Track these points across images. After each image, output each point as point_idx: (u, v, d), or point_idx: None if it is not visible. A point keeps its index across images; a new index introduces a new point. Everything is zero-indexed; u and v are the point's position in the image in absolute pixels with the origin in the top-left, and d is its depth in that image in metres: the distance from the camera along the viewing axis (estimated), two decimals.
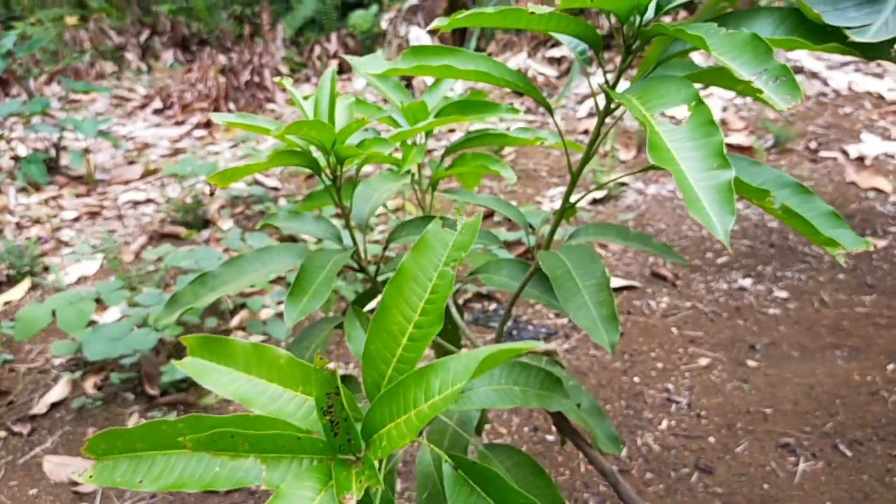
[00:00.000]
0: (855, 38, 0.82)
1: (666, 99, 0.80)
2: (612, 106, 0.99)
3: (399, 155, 1.23)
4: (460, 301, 2.56)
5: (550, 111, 1.02)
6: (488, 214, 3.17)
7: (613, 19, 0.93)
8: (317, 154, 1.07)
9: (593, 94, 1.00)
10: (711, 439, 1.86)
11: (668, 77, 0.86)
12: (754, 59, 0.75)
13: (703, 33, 0.78)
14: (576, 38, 0.98)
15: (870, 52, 0.88)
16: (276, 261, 1.16)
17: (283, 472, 0.71)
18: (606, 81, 0.97)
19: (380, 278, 1.21)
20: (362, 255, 1.19)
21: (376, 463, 0.69)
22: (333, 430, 0.70)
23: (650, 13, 0.92)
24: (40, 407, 2.14)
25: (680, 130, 0.75)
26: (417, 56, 0.94)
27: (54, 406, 2.16)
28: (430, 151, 3.62)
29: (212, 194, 0.97)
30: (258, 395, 0.77)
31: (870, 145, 3.43)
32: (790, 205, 0.89)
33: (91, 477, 0.70)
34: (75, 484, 1.85)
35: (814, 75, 4.21)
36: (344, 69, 5.35)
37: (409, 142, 1.24)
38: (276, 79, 1.09)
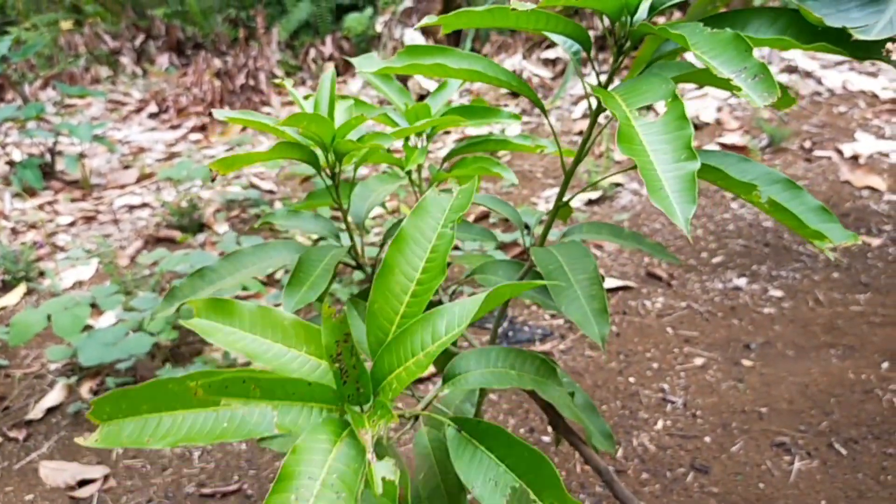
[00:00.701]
0: (859, 36, 0.83)
1: (646, 95, 0.82)
2: (604, 105, 1.00)
3: (399, 156, 1.24)
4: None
5: (544, 111, 1.02)
6: (484, 216, 3.17)
7: (606, 20, 0.94)
8: (317, 152, 1.08)
9: (587, 95, 1.00)
10: (707, 439, 1.86)
11: (652, 76, 0.88)
12: (735, 57, 0.77)
13: (687, 33, 0.80)
14: (567, 38, 0.99)
15: (861, 52, 0.88)
16: (273, 256, 1.17)
17: (295, 419, 0.72)
18: (600, 83, 0.98)
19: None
20: (359, 252, 1.20)
21: (389, 403, 0.70)
22: (343, 378, 0.71)
23: (642, 13, 0.93)
24: (36, 412, 2.14)
25: (654, 125, 0.77)
26: (411, 55, 0.96)
27: (50, 411, 2.16)
28: (428, 153, 3.62)
29: (213, 180, 0.98)
30: (264, 353, 0.79)
31: (864, 144, 3.44)
32: (779, 200, 0.90)
33: (97, 441, 0.70)
34: (72, 489, 1.85)
35: (808, 74, 4.22)
36: (340, 72, 5.35)
37: (410, 144, 1.25)
38: (277, 80, 1.10)
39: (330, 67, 1.13)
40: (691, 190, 0.72)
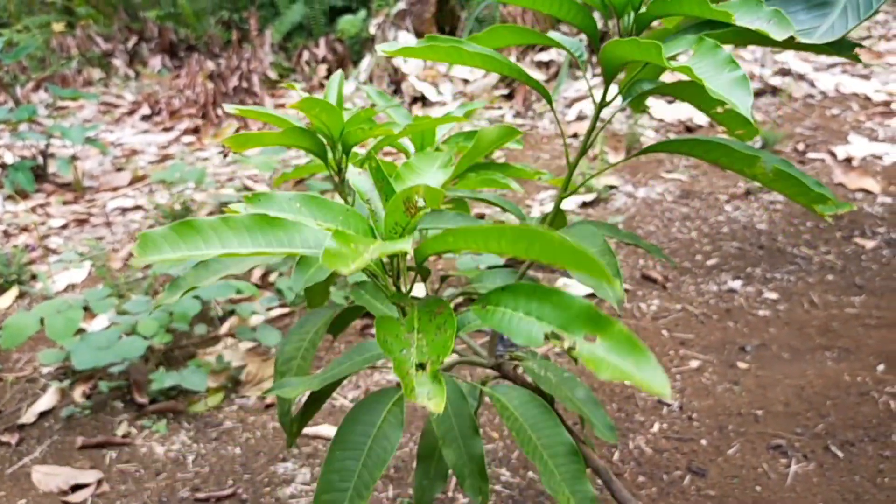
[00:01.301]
0: (803, 39, 0.88)
1: (672, 46, 0.87)
2: (609, 97, 1.01)
3: (392, 159, 1.24)
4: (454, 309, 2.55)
5: (549, 101, 1.04)
6: (479, 217, 3.16)
7: (612, 20, 0.95)
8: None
9: (590, 90, 1.01)
10: (703, 442, 1.86)
11: (669, 37, 0.91)
12: (749, 10, 0.85)
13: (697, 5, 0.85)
14: (573, 39, 1.00)
15: (833, 51, 0.92)
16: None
17: None
18: (605, 75, 0.98)
19: None
20: None
21: None
22: None
23: (644, 9, 0.94)
24: (28, 416, 2.12)
25: (689, 58, 0.83)
26: (429, 40, 0.99)
27: (42, 415, 2.14)
28: None
29: (225, 156, 0.99)
30: None
31: (857, 146, 3.45)
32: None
33: (136, 254, 0.73)
34: (65, 493, 1.83)
35: (801, 77, 4.23)
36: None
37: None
38: (285, 83, 1.10)
39: (337, 72, 1.13)
40: (745, 86, 0.77)
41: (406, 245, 0.67)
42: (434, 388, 0.65)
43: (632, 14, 0.94)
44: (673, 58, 0.84)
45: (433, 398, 0.64)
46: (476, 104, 1.27)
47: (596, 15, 0.98)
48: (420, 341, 0.70)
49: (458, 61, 0.97)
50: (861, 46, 0.95)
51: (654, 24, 0.99)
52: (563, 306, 0.71)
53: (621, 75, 1.38)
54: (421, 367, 0.67)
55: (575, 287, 2.49)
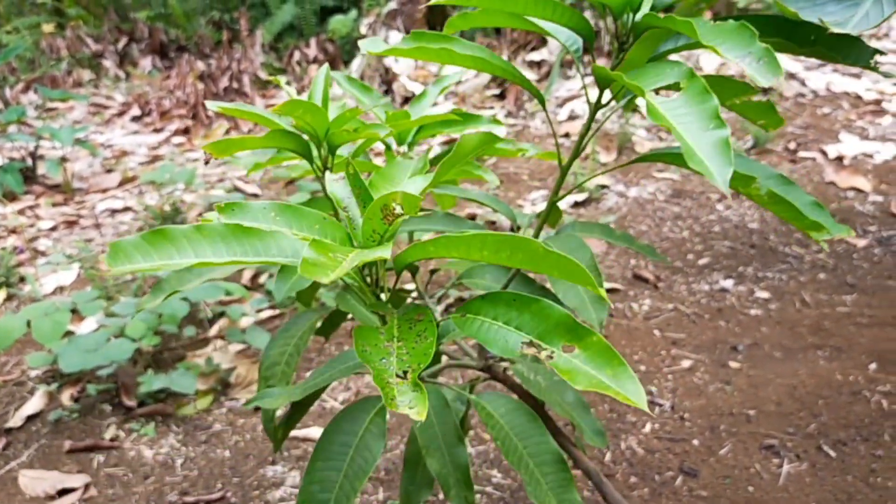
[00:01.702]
0: (835, 30, 0.84)
1: (660, 77, 0.82)
2: (604, 101, 1.00)
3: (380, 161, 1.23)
4: (444, 306, 2.54)
5: (542, 102, 1.02)
6: (471, 217, 3.15)
7: (608, 20, 0.94)
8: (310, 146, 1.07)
9: (585, 92, 1.00)
10: (695, 442, 1.85)
11: (660, 62, 0.88)
12: (740, 43, 0.78)
13: (693, 22, 0.80)
14: (571, 31, 0.98)
15: (850, 60, 0.89)
16: None
17: None
18: (599, 84, 0.97)
19: None
20: None
21: None
22: None
23: (645, 10, 0.92)
24: (16, 420, 2.10)
25: (674, 100, 0.78)
26: (417, 39, 0.95)
27: (30, 419, 2.12)
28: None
29: (207, 163, 0.97)
30: None
31: (848, 145, 3.45)
32: (777, 193, 0.91)
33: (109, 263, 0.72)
34: (52, 498, 1.81)
35: (792, 76, 4.23)
36: None
37: (394, 152, 1.25)
38: (271, 77, 1.09)
39: (324, 65, 1.12)
40: (727, 154, 0.72)
41: (385, 253, 0.66)
42: (415, 397, 0.64)
43: (631, 15, 0.93)
44: (658, 90, 0.81)
45: (415, 406, 0.63)
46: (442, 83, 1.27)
47: (587, 14, 0.97)
48: (400, 350, 0.69)
49: (449, 62, 0.96)
50: (882, 53, 0.92)
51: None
52: (542, 316, 0.71)
53: None
54: (402, 375, 0.66)
55: None
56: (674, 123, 0.74)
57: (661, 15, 0.85)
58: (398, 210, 0.70)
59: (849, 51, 0.88)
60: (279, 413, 1.34)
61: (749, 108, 1.02)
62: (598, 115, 1.00)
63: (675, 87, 0.80)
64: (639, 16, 0.90)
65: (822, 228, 0.90)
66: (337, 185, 0.81)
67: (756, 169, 0.96)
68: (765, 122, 1.04)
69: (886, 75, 0.91)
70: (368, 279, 0.80)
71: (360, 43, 1.01)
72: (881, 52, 0.89)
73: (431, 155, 1.28)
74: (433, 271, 1.35)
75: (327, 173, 0.82)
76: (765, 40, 0.83)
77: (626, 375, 0.66)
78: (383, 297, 0.81)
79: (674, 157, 0.98)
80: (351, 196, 0.79)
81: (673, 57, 0.97)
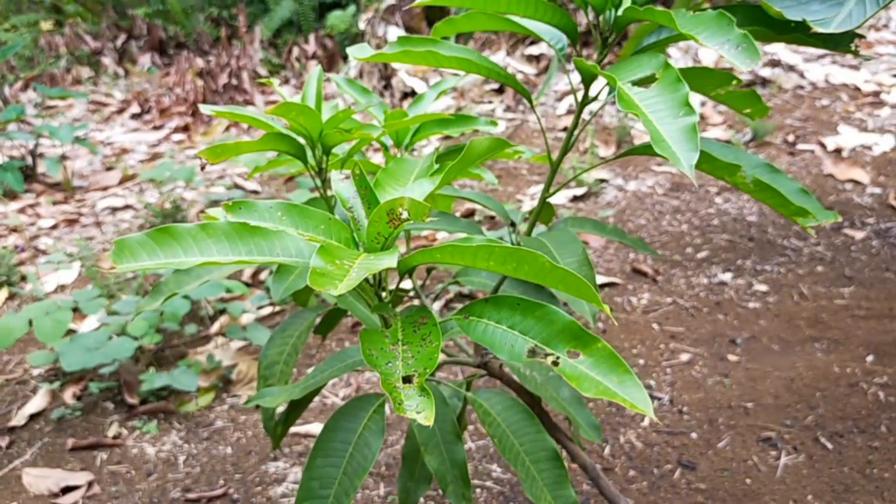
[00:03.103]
0: (819, 29, 0.85)
1: (637, 69, 0.84)
2: (591, 96, 1.01)
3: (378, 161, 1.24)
4: (442, 302, 2.55)
5: (531, 102, 1.03)
6: (469, 213, 3.16)
7: (591, 15, 0.95)
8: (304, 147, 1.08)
9: (572, 89, 1.01)
10: (693, 435, 1.86)
11: (641, 54, 0.90)
12: (718, 31, 0.80)
13: (672, 12, 0.82)
14: (554, 29, 0.99)
15: (830, 44, 0.90)
16: None
17: None
18: (583, 80, 0.98)
19: None
20: None
21: None
22: None
23: (626, 3, 0.93)
24: (19, 419, 2.12)
25: (648, 91, 0.80)
26: (403, 44, 0.96)
27: (33, 417, 2.13)
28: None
29: (202, 168, 0.97)
30: None
31: (847, 137, 3.46)
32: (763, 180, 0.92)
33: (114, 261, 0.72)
34: (55, 496, 1.83)
35: (791, 68, 4.23)
36: (324, 70, 5.31)
37: (391, 153, 1.26)
38: (263, 79, 1.09)
39: (316, 66, 1.12)
40: (693, 139, 0.73)
41: (392, 261, 0.67)
42: (423, 402, 0.64)
43: (612, 11, 0.94)
44: (637, 82, 0.82)
45: (423, 411, 0.64)
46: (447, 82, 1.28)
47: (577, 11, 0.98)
48: (405, 353, 0.70)
49: (434, 64, 0.96)
50: (862, 37, 0.93)
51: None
52: (546, 321, 0.72)
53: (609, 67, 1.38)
54: (407, 379, 0.67)
55: None
56: (644, 110, 0.76)
57: (641, 8, 0.86)
58: (405, 215, 0.70)
59: (828, 35, 0.89)
60: (279, 410, 1.36)
61: (734, 98, 1.04)
62: (591, 108, 1.02)
63: (653, 78, 0.81)
64: (620, 10, 0.92)
65: (808, 214, 0.91)
66: (342, 184, 0.82)
67: (742, 158, 0.97)
68: (751, 111, 1.06)
69: (865, 58, 0.93)
70: (371, 280, 0.81)
71: (349, 50, 1.02)
72: (861, 36, 0.91)
73: (429, 151, 1.29)
74: (430, 269, 1.36)
75: (333, 172, 0.83)
76: (746, 28, 0.84)
77: (633, 382, 0.67)
78: (384, 296, 0.82)
79: None
80: (356, 196, 0.80)
81: (671, 51, 0.98)
